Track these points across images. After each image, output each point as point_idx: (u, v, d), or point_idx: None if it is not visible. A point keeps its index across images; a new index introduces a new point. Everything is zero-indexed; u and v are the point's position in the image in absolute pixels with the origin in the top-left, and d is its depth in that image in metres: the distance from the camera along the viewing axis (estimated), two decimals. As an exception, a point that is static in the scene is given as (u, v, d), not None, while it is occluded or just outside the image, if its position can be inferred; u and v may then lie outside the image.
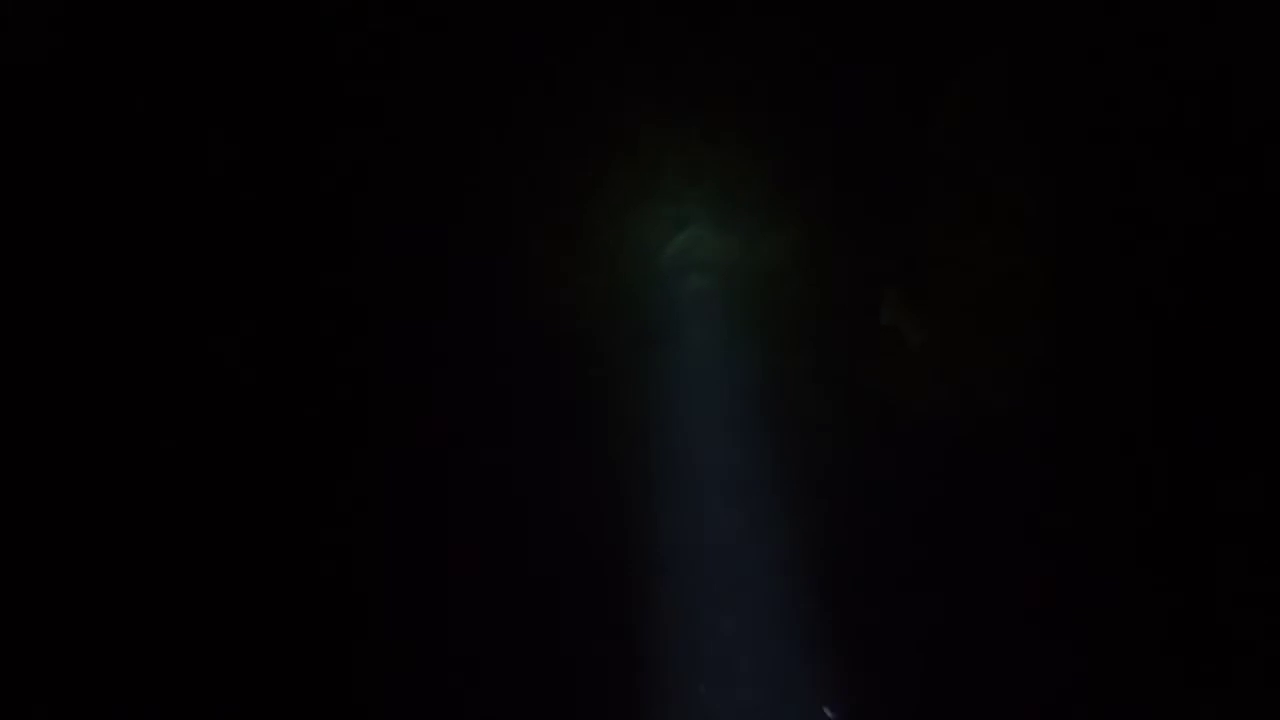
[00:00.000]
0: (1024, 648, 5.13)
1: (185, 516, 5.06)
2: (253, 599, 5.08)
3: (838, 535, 5.40)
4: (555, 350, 5.44)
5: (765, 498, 5.47)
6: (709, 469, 5.54)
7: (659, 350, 5.61)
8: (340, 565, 5.20)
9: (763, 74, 5.39)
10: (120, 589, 4.95)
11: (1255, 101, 5.08)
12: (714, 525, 5.50)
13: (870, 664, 5.23)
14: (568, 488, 5.38)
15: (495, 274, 5.42)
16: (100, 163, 5.10)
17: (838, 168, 5.46)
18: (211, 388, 5.15)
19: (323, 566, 5.18)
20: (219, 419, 5.14)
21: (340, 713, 5.13)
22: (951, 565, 5.29)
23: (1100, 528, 5.22)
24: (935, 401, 5.40)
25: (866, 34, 5.36)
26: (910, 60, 5.37)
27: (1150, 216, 5.23)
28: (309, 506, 5.21)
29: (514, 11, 5.30)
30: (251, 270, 5.22)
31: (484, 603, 5.24)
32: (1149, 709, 5.01)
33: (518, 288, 5.44)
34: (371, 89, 5.30)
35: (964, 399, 5.35)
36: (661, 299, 5.65)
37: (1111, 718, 5.06)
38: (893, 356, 5.45)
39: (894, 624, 5.29)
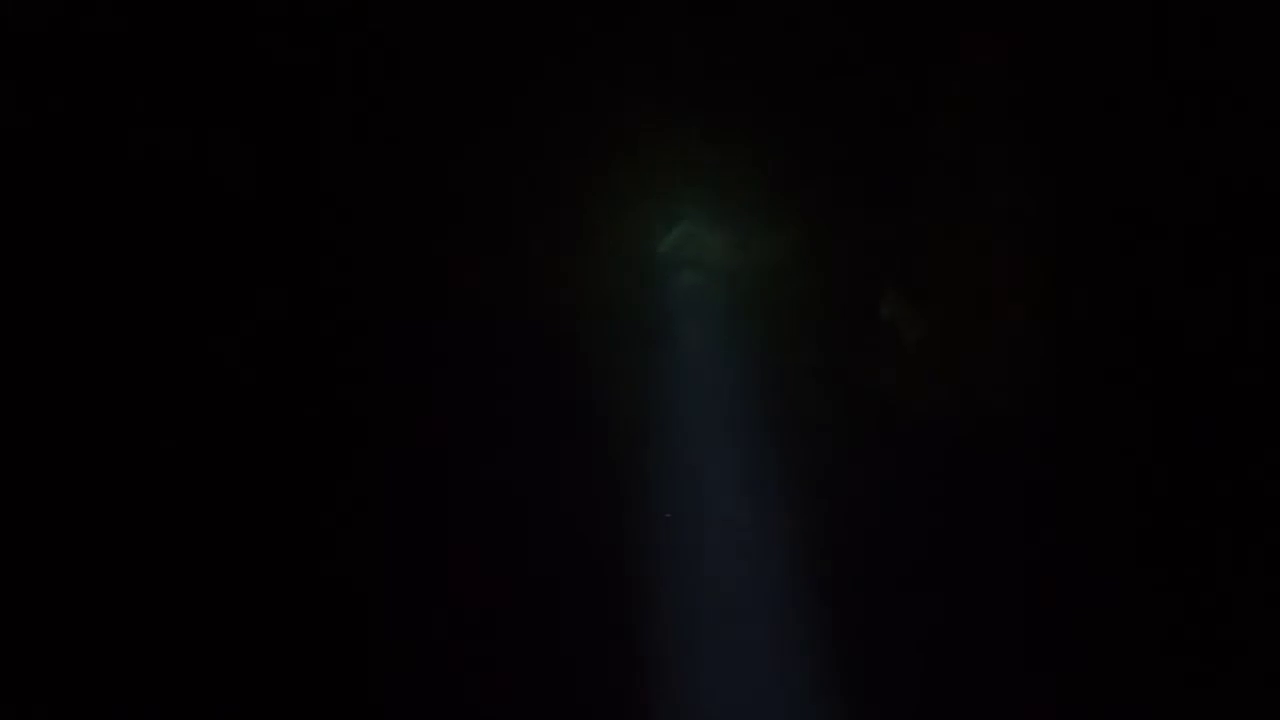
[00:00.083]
0: (1024, 648, 5.13)
1: (185, 516, 5.06)
2: (252, 599, 5.07)
3: (838, 535, 5.39)
4: (555, 350, 5.44)
5: (765, 496, 5.46)
6: (709, 468, 5.53)
7: (658, 349, 5.60)
8: (339, 565, 5.19)
9: (762, 69, 5.39)
10: (119, 589, 4.95)
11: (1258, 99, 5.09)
12: (714, 524, 5.50)
13: (870, 664, 5.22)
14: (568, 488, 5.37)
15: (495, 274, 5.42)
16: (100, 163, 5.10)
17: (837, 163, 5.45)
18: (211, 388, 5.15)
19: (322, 566, 5.18)
20: (218, 419, 5.13)
21: (339, 712, 5.13)
22: (951, 565, 5.28)
23: (1100, 528, 5.22)
24: (935, 400, 5.39)
25: (867, 29, 5.35)
26: (910, 55, 5.36)
27: (1153, 215, 5.23)
28: (308, 506, 5.21)
29: (513, 10, 5.30)
30: (251, 270, 5.22)
31: (483, 603, 5.24)
32: (1149, 709, 5.01)
33: (517, 288, 5.43)
34: (370, 88, 5.30)
35: (964, 397, 5.34)
36: (660, 297, 5.65)
37: (1111, 718, 5.05)
38: (892, 353, 5.44)
39: (894, 624, 5.29)
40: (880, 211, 5.48)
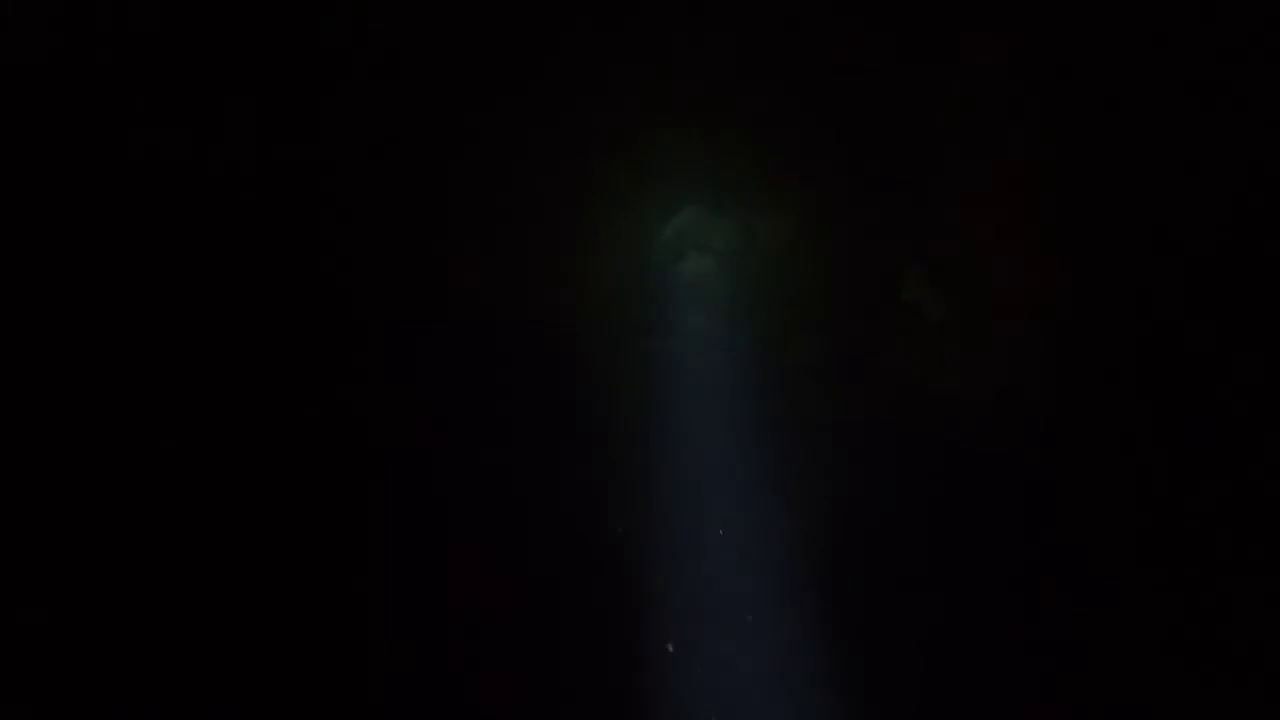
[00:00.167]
0: (1024, 647, 5.13)
1: (184, 516, 5.06)
2: (251, 598, 5.08)
3: (837, 534, 5.39)
4: (555, 350, 5.44)
5: (765, 495, 5.47)
6: (709, 467, 5.53)
7: (659, 343, 5.61)
8: (339, 565, 5.20)
9: (767, 49, 5.38)
10: (118, 588, 4.96)
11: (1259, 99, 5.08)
12: (714, 523, 5.50)
13: (870, 663, 5.23)
14: (567, 487, 5.38)
15: (495, 274, 5.42)
16: (100, 162, 5.10)
17: (846, 146, 5.45)
18: (210, 388, 5.15)
19: (322, 565, 5.19)
20: (218, 419, 5.14)
21: (339, 712, 5.13)
22: (951, 565, 5.28)
23: (1100, 527, 5.22)
24: (935, 399, 5.39)
25: (871, 16, 5.35)
26: (925, 32, 5.34)
27: (1153, 214, 5.22)
28: (308, 506, 5.21)
29: (513, 10, 5.30)
30: (250, 270, 5.23)
31: (483, 602, 5.24)
32: (1149, 709, 5.01)
33: (517, 288, 5.44)
34: (371, 89, 5.31)
35: (964, 396, 5.34)
36: (660, 294, 5.65)
37: (1112, 718, 5.06)
38: (911, 335, 5.43)
39: (894, 624, 5.29)
40: (884, 198, 5.48)
